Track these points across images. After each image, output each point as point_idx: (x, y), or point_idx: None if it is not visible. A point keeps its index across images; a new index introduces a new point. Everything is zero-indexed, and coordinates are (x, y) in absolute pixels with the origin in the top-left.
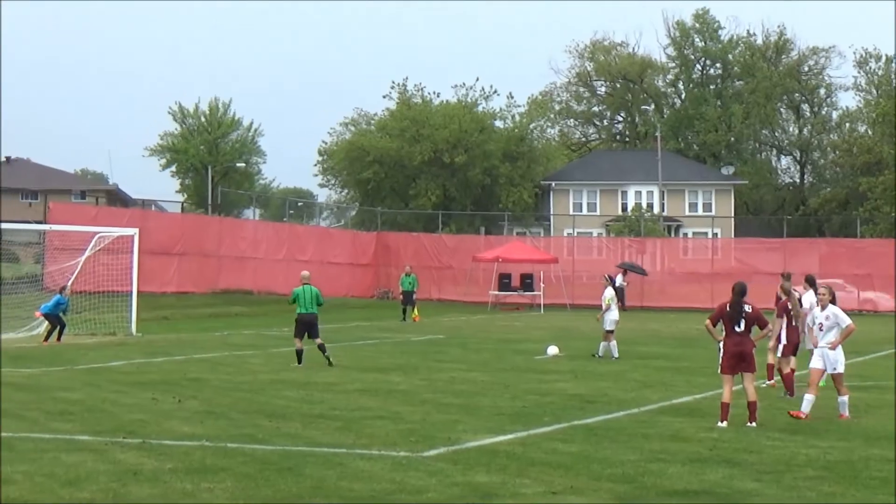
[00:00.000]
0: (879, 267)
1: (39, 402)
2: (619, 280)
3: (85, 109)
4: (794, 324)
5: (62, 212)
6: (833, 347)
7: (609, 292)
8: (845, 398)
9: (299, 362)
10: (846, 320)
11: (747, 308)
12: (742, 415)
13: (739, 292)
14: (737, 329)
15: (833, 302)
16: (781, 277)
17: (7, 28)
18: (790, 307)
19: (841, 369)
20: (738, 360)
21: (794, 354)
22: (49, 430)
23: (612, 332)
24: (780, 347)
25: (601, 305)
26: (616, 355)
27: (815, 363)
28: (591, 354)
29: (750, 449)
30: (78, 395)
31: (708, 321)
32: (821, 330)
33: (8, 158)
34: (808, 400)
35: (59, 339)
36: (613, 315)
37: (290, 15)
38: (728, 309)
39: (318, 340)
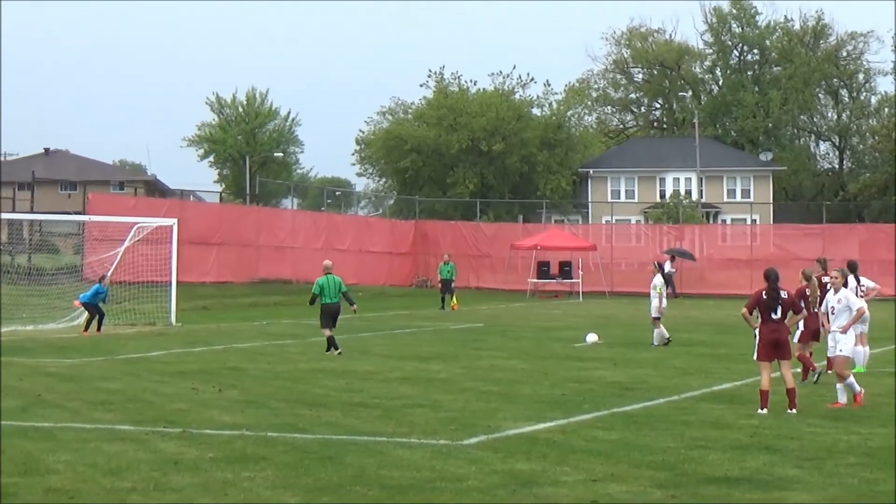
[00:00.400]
0: None
1: (80, 392)
2: (667, 266)
3: (122, 100)
4: (812, 310)
5: (101, 203)
6: (844, 331)
7: (658, 280)
8: (841, 384)
9: (336, 349)
10: (857, 303)
11: (783, 294)
12: (782, 401)
13: (775, 279)
14: (773, 316)
15: (846, 285)
16: (817, 263)
17: (43, 20)
18: (808, 293)
19: (847, 353)
20: (775, 348)
21: (817, 340)
22: (90, 419)
23: (658, 319)
24: (798, 333)
25: (650, 293)
26: (656, 343)
27: (831, 350)
28: (650, 345)
29: (791, 436)
30: (118, 385)
31: (744, 309)
32: (832, 313)
33: (47, 150)
34: (842, 389)
35: (98, 328)
36: (662, 303)
37: (325, 4)
38: (764, 296)
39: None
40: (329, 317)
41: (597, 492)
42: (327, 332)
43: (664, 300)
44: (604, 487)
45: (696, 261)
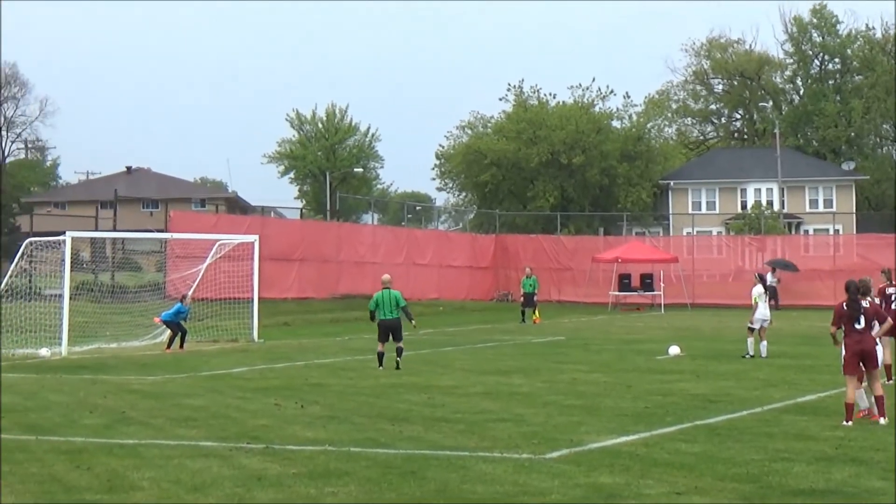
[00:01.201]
0: None
1: (164, 409)
2: (769, 278)
3: (203, 118)
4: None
5: (183, 220)
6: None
7: (757, 289)
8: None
9: (380, 365)
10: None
11: (865, 304)
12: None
13: (855, 290)
14: (857, 326)
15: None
16: (882, 274)
17: (122, 40)
18: None
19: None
20: (861, 358)
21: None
22: (174, 436)
23: (753, 329)
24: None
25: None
26: (765, 355)
27: None
28: (742, 356)
29: (877, 447)
30: (201, 402)
31: (832, 327)
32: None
33: (129, 168)
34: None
35: (181, 346)
36: (760, 313)
37: (404, 18)
38: (846, 308)
39: (399, 344)
40: (385, 332)
41: None
42: (380, 347)
43: (764, 310)
44: (688, 500)
45: (799, 271)
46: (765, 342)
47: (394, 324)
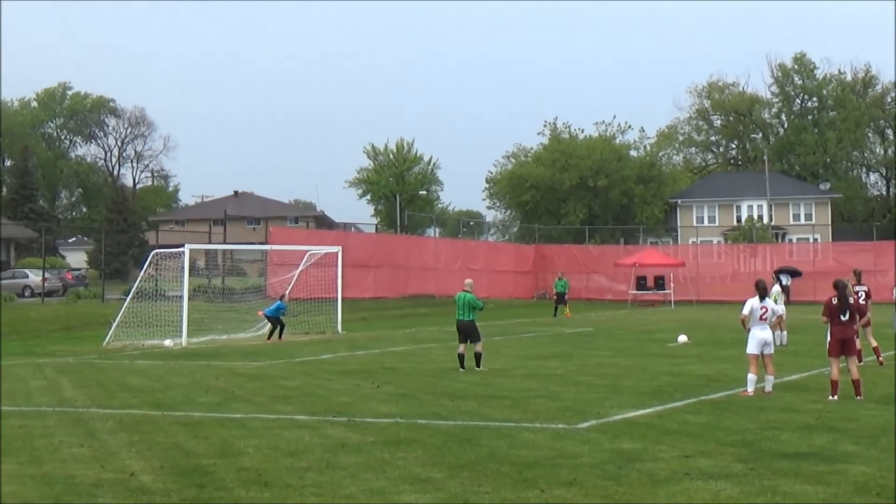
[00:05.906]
0: None
1: (265, 388)
2: (784, 280)
3: (296, 149)
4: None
5: (280, 235)
6: None
7: (776, 288)
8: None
9: (461, 366)
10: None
11: (850, 300)
12: (846, 390)
13: (843, 287)
14: (842, 318)
15: None
16: (853, 274)
17: (234, 87)
18: (835, 301)
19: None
20: (843, 345)
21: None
22: (273, 411)
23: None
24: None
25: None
26: (785, 342)
27: None
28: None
29: (850, 418)
30: (296, 383)
31: (822, 318)
32: None
33: (236, 192)
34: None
35: (280, 337)
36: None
37: (460, 74)
38: (835, 302)
39: (477, 348)
40: (461, 333)
41: (689, 466)
42: (460, 349)
43: (782, 306)
44: (694, 462)
45: (802, 275)
46: (785, 332)
47: (467, 326)
